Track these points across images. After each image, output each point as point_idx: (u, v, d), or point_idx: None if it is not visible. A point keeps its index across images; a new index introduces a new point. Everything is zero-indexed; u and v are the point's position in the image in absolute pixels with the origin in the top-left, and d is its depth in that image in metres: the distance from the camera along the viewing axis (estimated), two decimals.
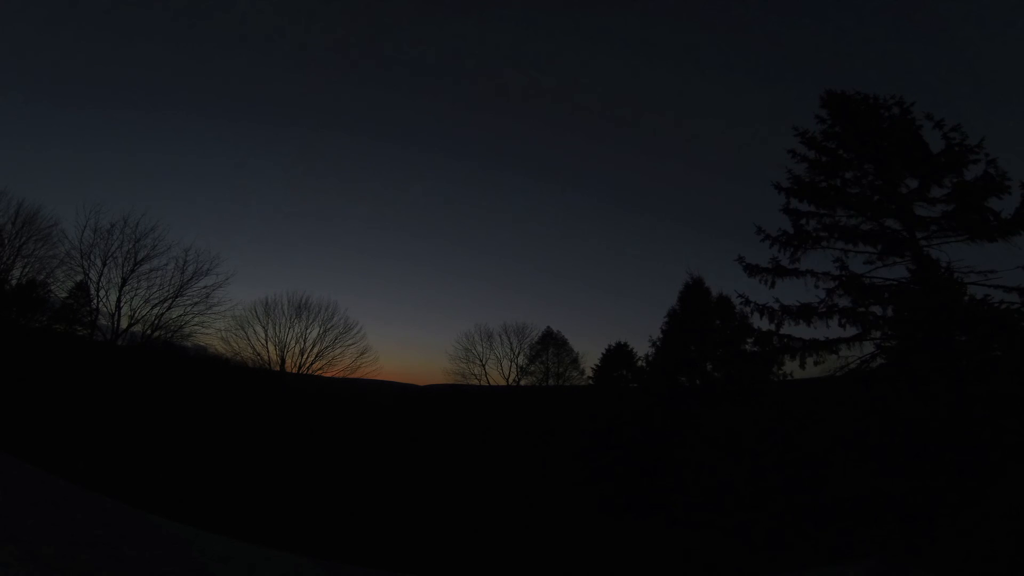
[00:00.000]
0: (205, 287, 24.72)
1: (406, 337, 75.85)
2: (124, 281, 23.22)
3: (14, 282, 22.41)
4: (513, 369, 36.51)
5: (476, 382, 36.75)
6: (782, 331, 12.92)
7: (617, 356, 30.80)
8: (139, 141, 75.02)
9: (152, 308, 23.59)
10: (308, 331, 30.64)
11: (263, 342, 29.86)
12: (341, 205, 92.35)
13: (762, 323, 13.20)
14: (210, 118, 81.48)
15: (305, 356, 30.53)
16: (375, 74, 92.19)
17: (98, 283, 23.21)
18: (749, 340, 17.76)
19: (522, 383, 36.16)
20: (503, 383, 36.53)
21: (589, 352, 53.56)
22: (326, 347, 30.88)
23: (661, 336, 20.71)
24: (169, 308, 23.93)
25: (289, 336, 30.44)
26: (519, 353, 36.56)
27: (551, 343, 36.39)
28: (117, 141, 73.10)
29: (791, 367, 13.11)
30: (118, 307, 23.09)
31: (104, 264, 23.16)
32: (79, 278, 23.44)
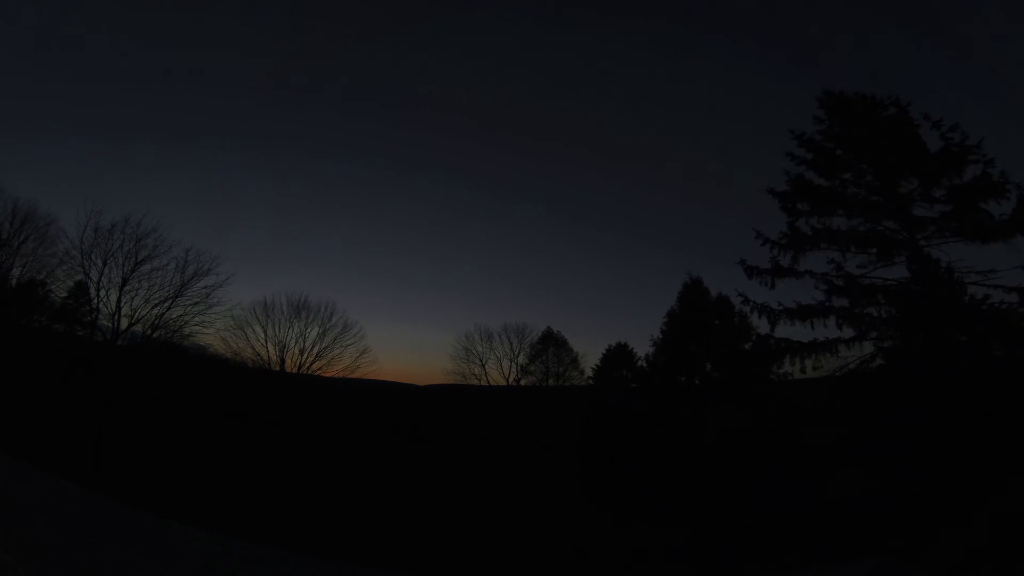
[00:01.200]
0: (205, 287, 24.66)
1: (406, 337, 75.84)
2: (124, 281, 23.14)
3: (14, 282, 22.39)
4: (513, 369, 36.48)
5: (476, 382, 36.70)
6: (782, 331, 12.95)
7: (617, 356, 30.79)
8: (141, 143, 75.03)
9: (152, 308, 23.54)
10: (307, 331, 30.61)
11: (263, 342, 29.85)
12: (340, 205, 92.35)
13: (761, 323, 13.24)
14: (211, 120, 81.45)
15: (305, 356, 30.51)
16: (371, 80, 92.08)
17: (98, 283, 23.15)
18: (749, 341, 17.87)
19: (522, 383, 36.12)
20: (503, 383, 36.48)
21: (589, 352, 53.42)
22: (325, 347, 30.85)
23: (661, 336, 20.76)
24: (169, 308, 23.89)
25: (288, 336, 30.42)
26: (519, 353, 36.53)
27: (551, 343, 36.35)
28: (119, 144, 73.12)
29: (791, 367, 13.12)
30: (118, 307, 23.04)
31: (105, 264, 23.09)
32: (79, 278, 23.41)
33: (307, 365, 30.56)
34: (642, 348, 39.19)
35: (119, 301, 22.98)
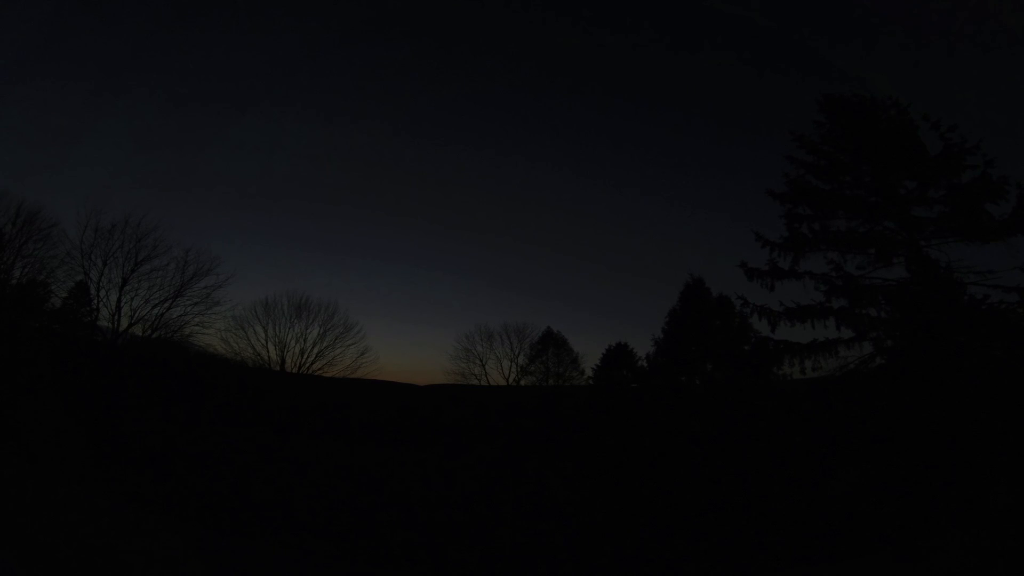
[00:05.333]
0: (206, 287, 24.72)
1: (406, 337, 75.69)
2: (125, 281, 23.22)
3: (14, 282, 22.41)
4: (513, 369, 36.47)
5: (476, 382, 36.70)
6: (782, 332, 12.98)
7: (617, 356, 30.74)
8: (140, 141, 74.98)
9: (152, 308, 23.61)
10: (308, 331, 30.66)
11: (263, 342, 29.88)
12: (340, 205, 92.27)
13: (761, 325, 13.26)
14: (210, 116, 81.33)
15: (305, 356, 30.55)
16: (373, 73, 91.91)
17: (98, 283, 23.22)
18: (749, 342, 17.90)
19: (522, 383, 36.11)
20: (503, 383, 36.49)
21: (589, 352, 53.41)
22: (326, 347, 30.90)
23: (662, 336, 20.79)
24: (169, 308, 23.95)
25: (289, 336, 30.46)
26: (519, 353, 36.50)
27: (551, 343, 36.27)
28: (118, 141, 73.06)
29: (790, 368, 13.13)
30: (118, 307, 23.11)
31: (105, 264, 23.17)
32: (79, 278, 23.44)
33: (307, 365, 30.64)
34: (642, 348, 39.03)
35: (119, 301, 23.06)
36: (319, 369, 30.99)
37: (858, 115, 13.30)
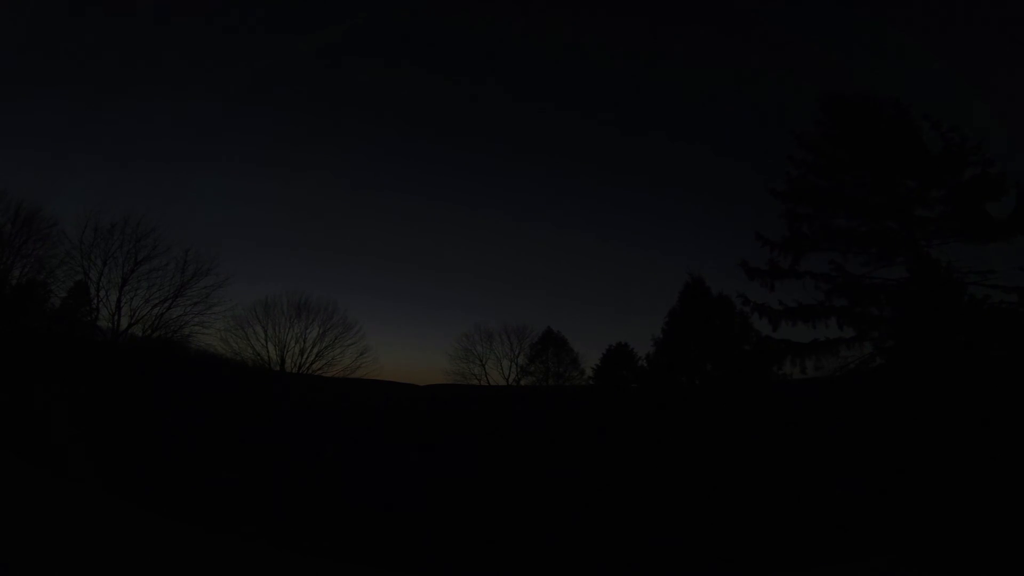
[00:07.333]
0: (205, 287, 24.72)
1: (406, 337, 75.74)
2: (124, 281, 23.24)
3: (14, 282, 22.42)
4: (513, 369, 36.47)
5: (476, 382, 36.71)
6: (782, 332, 13.00)
7: (617, 356, 30.83)
8: (139, 141, 74.89)
9: (152, 308, 23.63)
10: (308, 331, 30.60)
11: (263, 342, 29.85)
12: (340, 204, 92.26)
13: (762, 324, 13.29)
14: (207, 117, 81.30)
15: (305, 356, 30.53)
16: (373, 69, 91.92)
17: (98, 283, 23.24)
18: (749, 342, 17.92)
19: (522, 383, 36.13)
20: (503, 383, 36.49)
21: (589, 352, 53.44)
22: (326, 347, 30.80)
23: (662, 336, 20.84)
24: (169, 308, 23.96)
25: (289, 336, 30.41)
26: (519, 353, 36.50)
27: (551, 343, 36.29)
28: (118, 141, 73.04)
29: (791, 368, 13.15)
30: (118, 307, 23.12)
31: (104, 264, 23.19)
32: (79, 278, 23.45)
33: (307, 365, 30.62)
34: (642, 348, 39.11)
35: (119, 301, 23.06)
36: (319, 369, 30.95)
37: (859, 114, 13.32)
